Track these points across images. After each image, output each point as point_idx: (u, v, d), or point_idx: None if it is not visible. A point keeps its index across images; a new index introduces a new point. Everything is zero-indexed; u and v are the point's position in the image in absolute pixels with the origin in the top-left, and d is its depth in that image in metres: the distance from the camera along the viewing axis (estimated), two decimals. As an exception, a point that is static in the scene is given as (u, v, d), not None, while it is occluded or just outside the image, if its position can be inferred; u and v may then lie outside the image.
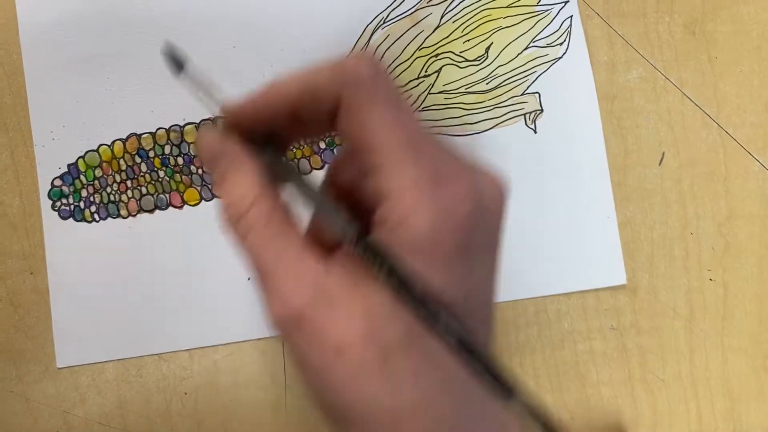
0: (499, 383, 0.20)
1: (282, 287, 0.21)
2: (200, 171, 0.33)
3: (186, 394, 0.32)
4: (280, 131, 0.23)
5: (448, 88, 0.34)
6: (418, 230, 0.20)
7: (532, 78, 0.34)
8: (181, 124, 0.33)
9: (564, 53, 0.34)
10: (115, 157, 0.33)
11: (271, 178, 0.22)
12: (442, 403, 0.21)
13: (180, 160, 0.33)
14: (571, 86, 0.34)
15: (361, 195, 0.23)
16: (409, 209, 0.20)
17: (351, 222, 0.21)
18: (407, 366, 0.20)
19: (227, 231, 0.22)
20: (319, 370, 0.20)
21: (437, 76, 0.34)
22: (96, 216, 0.32)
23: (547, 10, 0.34)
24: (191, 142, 0.33)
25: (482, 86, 0.34)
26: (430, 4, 0.34)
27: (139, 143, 0.33)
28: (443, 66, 0.34)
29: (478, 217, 0.21)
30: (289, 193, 0.23)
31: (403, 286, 0.20)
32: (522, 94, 0.34)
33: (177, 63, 0.24)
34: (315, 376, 0.21)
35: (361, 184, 0.24)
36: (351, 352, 0.20)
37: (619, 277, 0.33)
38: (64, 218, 0.32)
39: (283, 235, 0.21)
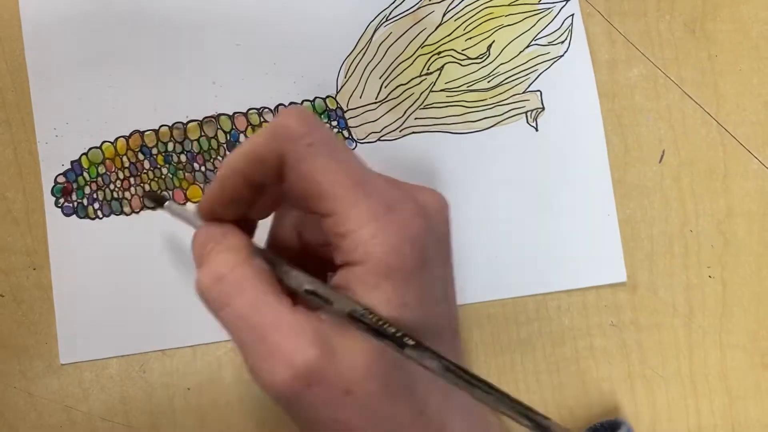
0: (478, 390, 0.21)
1: (286, 348, 0.21)
2: (203, 168, 0.33)
3: (189, 389, 0.32)
4: (253, 211, 0.25)
5: (449, 86, 0.34)
6: (383, 257, 0.21)
7: (533, 76, 0.34)
8: (184, 121, 0.33)
9: (565, 51, 0.34)
10: (118, 154, 0.33)
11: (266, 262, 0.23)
12: (431, 396, 0.23)
13: (183, 158, 0.33)
14: (572, 84, 0.34)
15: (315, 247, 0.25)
16: (370, 241, 0.21)
17: (354, 301, 0.22)
18: (401, 382, 0.22)
19: (204, 300, 0.22)
20: (331, 415, 0.21)
21: (439, 74, 0.34)
22: (99, 213, 0.33)
23: (549, 8, 0.34)
24: (194, 140, 0.33)
25: (484, 84, 0.34)
26: (432, 2, 0.34)
27: (142, 140, 0.33)
28: (445, 64, 0.34)
29: (428, 229, 0.22)
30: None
31: (391, 340, 0.21)
32: (523, 92, 0.34)
33: (158, 200, 0.29)
34: (327, 422, 0.22)
35: (313, 238, 0.25)
36: (359, 389, 0.21)
37: (620, 275, 0.34)
38: (68, 215, 0.33)
39: (274, 294, 0.22)
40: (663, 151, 0.35)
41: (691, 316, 0.34)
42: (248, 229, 0.26)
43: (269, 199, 0.25)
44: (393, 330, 0.21)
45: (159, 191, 0.32)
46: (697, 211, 0.35)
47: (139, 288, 0.32)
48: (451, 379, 0.20)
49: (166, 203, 0.28)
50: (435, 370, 0.21)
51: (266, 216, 0.26)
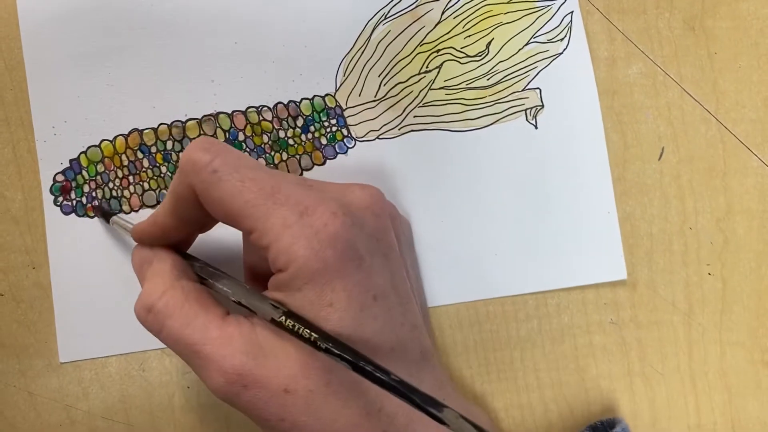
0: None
1: (216, 357, 0.23)
2: (202, 166, 0.33)
3: (189, 387, 0.32)
4: (189, 236, 0.27)
5: (449, 83, 0.34)
6: (303, 262, 0.22)
7: (533, 74, 0.34)
8: (183, 119, 0.33)
9: (565, 49, 0.34)
10: (117, 153, 0.33)
11: (195, 279, 0.26)
12: (396, 405, 0.24)
13: (182, 156, 0.33)
14: (572, 82, 0.34)
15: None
16: (288, 249, 0.22)
17: (276, 304, 0.23)
18: (346, 379, 0.23)
19: (144, 326, 0.25)
20: (276, 413, 0.23)
21: (438, 72, 0.34)
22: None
23: (548, 5, 0.34)
24: (193, 138, 0.33)
25: (483, 82, 0.34)
26: (431, -1, 0.34)
27: (141, 138, 0.33)
28: (444, 62, 0.34)
29: (353, 227, 0.23)
30: (217, 291, 0.25)
31: (325, 341, 0.22)
32: (523, 90, 0.34)
33: (106, 215, 0.31)
34: (275, 421, 0.23)
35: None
36: (297, 387, 0.22)
37: (620, 273, 0.34)
38: (66, 213, 0.33)
39: (203, 311, 0.24)
40: (662, 149, 0.35)
41: (690, 314, 0.34)
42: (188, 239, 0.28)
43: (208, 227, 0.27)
44: (307, 334, 0.21)
45: (108, 206, 0.33)
46: (696, 209, 0.35)
47: (138, 286, 0.32)
48: (367, 378, 0.21)
49: (112, 218, 0.30)
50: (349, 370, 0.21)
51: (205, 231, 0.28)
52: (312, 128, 0.33)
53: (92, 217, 0.32)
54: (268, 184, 0.23)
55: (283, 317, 0.22)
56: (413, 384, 0.21)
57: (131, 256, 0.28)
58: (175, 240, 0.27)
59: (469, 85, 0.34)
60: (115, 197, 0.33)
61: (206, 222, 0.26)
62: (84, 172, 0.33)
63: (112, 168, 0.33)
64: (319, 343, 0.21)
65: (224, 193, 0.22)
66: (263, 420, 0.23)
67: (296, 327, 0.22)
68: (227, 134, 0.33)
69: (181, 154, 0.32)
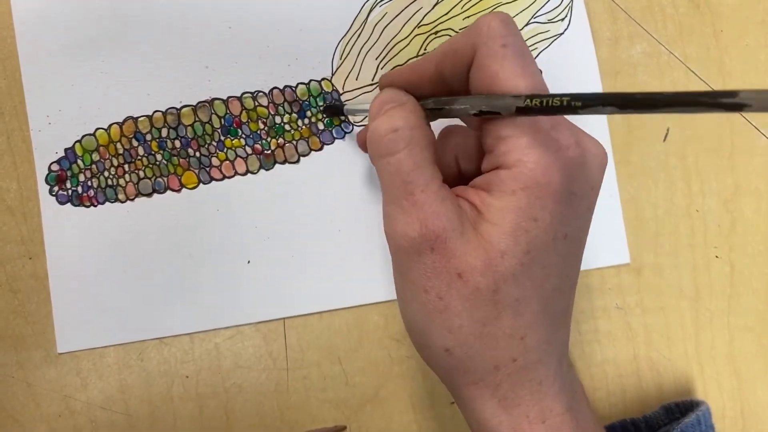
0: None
1: (426, 208, 0.23)
2: (198, 154, 0.32)
3: (187, 377, 0.32)
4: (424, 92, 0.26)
5: (447, 66, 0.33)
6: (533, 167, 0.22)
7: (533, 54, 0.33)
8: (178, 106, 0.32)
9: (566, 29, 0.33)
10: (112, 141, 0.32)
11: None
12: (536, 329, 0.24)
13: (177, 143, 0.32)
14: (573, 63, 0.33)
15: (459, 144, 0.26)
16: (526, 149, 0.22)
17: (512, 96, 0.22)
18: (512, 295, 0.23)
19: (374, 144, 0.24)
20: (438, 289, 0.23)
21: (437, 54, 0.33)
22: (94, 200, 0.32)
23: (548, -16, 0.33)
24: (188, 125, 0.32)
25: (482, 63, 0.33)
26: (428, -20, 0.33)
27: (136, 126, 0.32)
28: (442, 43, 0.33)
29: (581, 166, 0.23)
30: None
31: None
32: (523, 71, 0.33)
33: (337, 110, 0.32)
34: (432, 295, 0.23)
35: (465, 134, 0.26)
36: (470, 277, 0.22)
37: (623, 256, 0.33)
38: (62, 203, 0.32)
39: (433, 163, 0.24)
40: (667, 130, 0.34)
41: (697, 298, 0.34)
42: None
43: (440, 91, 0.25)
44: (558, 101, 0.20)
45: (333, 102, 0.33)
46: (702, 190, 0.34)
47: (136, 275, 0.32)
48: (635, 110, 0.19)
49: (345, 108, 0.31)
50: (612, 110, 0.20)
51: None
52: (309, 113, 0.33)
53: (88, 207, 0.32)
54: (539, 84, 0.23)
55: (528, 100, 0.21)
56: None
57: (375, 97, 0.26)
58: (418, 92, 0.26)
59: (468, 67, 0.33)
60: (110, 186, 0.32)
61: (454, 88, 0.25)
62: (79, 161, 0.32)
63: (107, 156, 0.32)
64: (573, 103, 0.20)
65: (501, 70, 0.22)
66: (423, 288, 0.23)
67: (545, 102, 0.21)
68: (222, 120, 0.32)
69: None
